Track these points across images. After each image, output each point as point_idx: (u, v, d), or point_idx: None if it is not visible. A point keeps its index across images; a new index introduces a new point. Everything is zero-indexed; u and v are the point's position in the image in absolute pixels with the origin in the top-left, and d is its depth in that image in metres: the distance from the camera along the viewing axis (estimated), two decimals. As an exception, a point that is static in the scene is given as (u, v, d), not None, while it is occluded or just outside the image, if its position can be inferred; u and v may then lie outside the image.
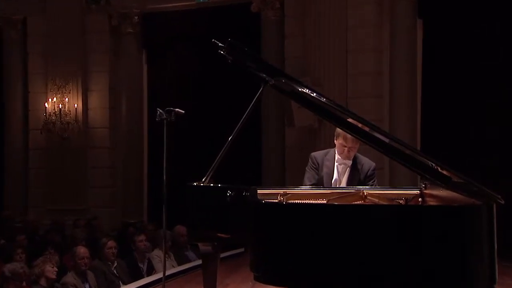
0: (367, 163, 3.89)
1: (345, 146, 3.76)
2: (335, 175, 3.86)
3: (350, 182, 3.83)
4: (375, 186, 3.86)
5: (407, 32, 7.28)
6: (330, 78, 7.44)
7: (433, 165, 2.74)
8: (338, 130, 3.74)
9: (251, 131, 7.53)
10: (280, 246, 2.57)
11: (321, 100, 3.00)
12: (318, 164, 3.91)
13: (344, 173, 3.85)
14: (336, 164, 3.87)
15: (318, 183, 3.88)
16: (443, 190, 2.80)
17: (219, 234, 3.28)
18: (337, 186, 3.85)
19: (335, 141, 3.83)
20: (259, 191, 3.31)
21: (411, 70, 7.30)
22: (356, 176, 3.83)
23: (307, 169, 3.96)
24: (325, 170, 3.88)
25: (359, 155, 3.92)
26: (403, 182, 6.26)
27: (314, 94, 3.02)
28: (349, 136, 3.64)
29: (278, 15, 8.32)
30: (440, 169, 2.69)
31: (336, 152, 3.87)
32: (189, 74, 9.39)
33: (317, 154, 3.96)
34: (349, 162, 3.84)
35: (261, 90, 3.31)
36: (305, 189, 3.64)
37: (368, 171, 3.85)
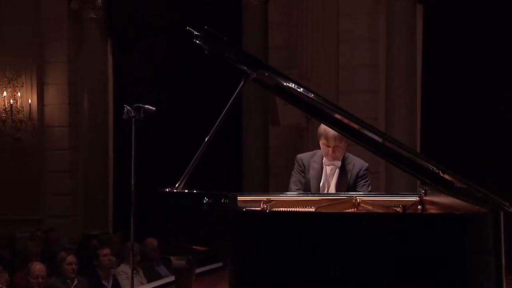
0: (358, 163, 3.94)
1: (329, 146, 3.82)
2: (323, 178, 3.92)
3: (339, 185, 3.88)
4: (369, 187, 3.92)
5: (406, 20, 7.34)
6: (319, 71, 7.48)
7: (434, 168, 2.78)
8: (320, 129, 3.81)
9: (231, 130, 7.53)
10: (263, 260, 2.59)
11: (309, 96, 3.02)
12: (304, 166, 3.96)
13: (333, 175, 3.91)
14: (324, 166, 3.92)
15: (305, 187, 3.92)
16: (445, 197, 2.84)
17: (194, 247, 3.28)
18: (326, 189, 3.90)
19: (319, 141, 3.88)
20: (239, 198, 3.33)
21: (410, 62, 7.36)
22: (346, 178, 3.89)
23: (293, 173, 4.00)
24: (312, 173, 3.93)
25: (350, 155, 3.98)
26: (401, 188, 6.32)
27: (301, 89, 3.04)
28: (330, 134, 3.71)
29: (261, 0, 8.34)
30: (442, 173, 2.73)
31: None
32: (160, 66, 9.36)
33: (303, 156, 4.02)
34: (338, 163, 3.90)
35: (242, 85, 3.33)
36: (291, 196, 3.66)
37: (359, 171, 3.91)
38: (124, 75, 9.70)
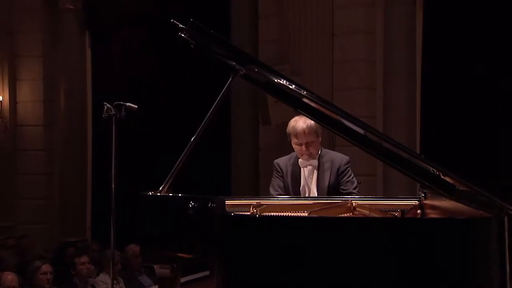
0: (337, 158, 3.96)
1: (301, 144, 3.85)
2: (302, 181, 3.93)
3: (320, 186, 3.89)
4: (353, 184, 3.93)
5: (405, 11, 7.37)
6: (313, 67, 7.49)
7: (434, 170, 2.80)
8: (288, 129, 3.89)
9: (219, 130, 7.53)
10: (253, 268, 2.60)
11: (301, 93, 3.04)
12: (282, 171, 3.99)
13: (312, 177, 3.92)
14: (301, 168, 3.94)
15: (285, 193, 3.95)
16: (446, 200, 2.86)
17: (179, 254, 3.29)
18: (307, 193, 3.93)
19: (291, 143, 3.91)
20: (227, 202, 3.34)
21: (410, 56, 7.39)
22: (326, 177, 3.90)
23: (272, 179, 4.05)
24: (290, 177, 3.95)
25: (327, 151, 4.01)
26: (399, 191, 6.35)
27: (293, 86, 3.06)
28: (299, 129, 3.79)
29: (251, -10, 8.35)
30: (443, 175, 2.75)
31: None
32: (143, 61, 9.34)
33: (280, 161, 4.05)
34: (315, 162, 3.91)
35: (230, 81, 3.34)
36: (282, 200, 3.68)
37: (339, 167, 3.92)
38: (104, 70, 9.67)
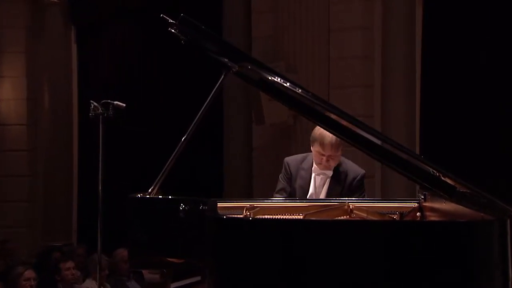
0: (352, 171, 3.86)
1: (323, 155, 3.73)
2: (311, 189, 3.85)
3: (330, 196, 3.78)
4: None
5: (404, 6, 7.39)
6: (308, 64, 7.50)
7: (434, 171, 2.81)
8: (315, 133, 3.74)
9: (211, 129, 7.53)
10: (246, 273, 2.60)
11: (296, 91, 3.04)
12: (291, 173, 3.90)
13: (323, 186, 3.84)
14: (313, 174, 3.85)
15: (291, 196, 3.88)
16: (447, 203, 2.88)
17: (169, 259, 3.29)
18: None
19: (311, 147, 3.81)
20: (219, 204, 3.34)
21: (409, 53, 7.41)
22: (337, 189, 3.81)
23: (279, 178, 3.97)
24: (299, 182, 3.87)
25: (344, 160, 3.89)
26: (398, 193, 6.37)
27: (288, 83, 3.06)
28: (327, 141, 3.66)
29: (244, -16, 8.35)
30: (443, 176, 2.77)
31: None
32: (131, 57, 9.34)
33: (292, 161, 3.96)
34: (330, 173, 3.82)
35: (222, 79, 3.34)
36: (277, 202, 3.68)
37: (353, 182, 3.83)
38: (90, 66, 9.66)
